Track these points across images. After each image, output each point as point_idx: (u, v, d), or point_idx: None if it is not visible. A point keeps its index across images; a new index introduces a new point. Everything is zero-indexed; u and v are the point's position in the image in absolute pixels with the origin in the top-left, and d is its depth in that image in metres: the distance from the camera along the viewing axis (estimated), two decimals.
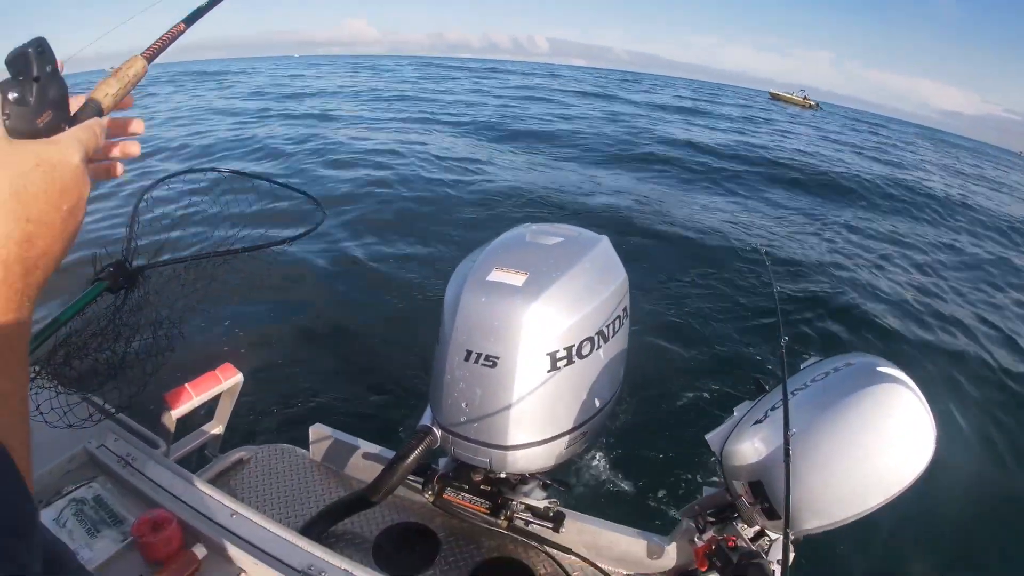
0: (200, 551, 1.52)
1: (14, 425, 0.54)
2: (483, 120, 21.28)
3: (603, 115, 26.69)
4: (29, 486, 0.53)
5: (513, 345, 1.62)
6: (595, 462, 3.92)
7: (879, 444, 1.35)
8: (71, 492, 1.70)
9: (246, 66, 66.38)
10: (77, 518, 1.62)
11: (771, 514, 1.46)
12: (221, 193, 1.98)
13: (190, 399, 2.06)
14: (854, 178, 17.07)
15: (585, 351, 1.71)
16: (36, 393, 1.49)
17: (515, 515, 1.93)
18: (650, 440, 4.23)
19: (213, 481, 2.34)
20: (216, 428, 2.41)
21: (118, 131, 0.79)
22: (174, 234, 1.85)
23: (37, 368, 1.50)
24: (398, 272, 6.92)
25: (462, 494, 1.98)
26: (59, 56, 0.65)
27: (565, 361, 1.67)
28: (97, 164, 0.74)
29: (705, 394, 4.89)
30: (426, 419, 1.90)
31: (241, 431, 3.22)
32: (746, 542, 1.61)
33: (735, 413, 1.64)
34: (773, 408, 1.50)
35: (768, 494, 1.45)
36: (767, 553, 1.59)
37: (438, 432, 1.85)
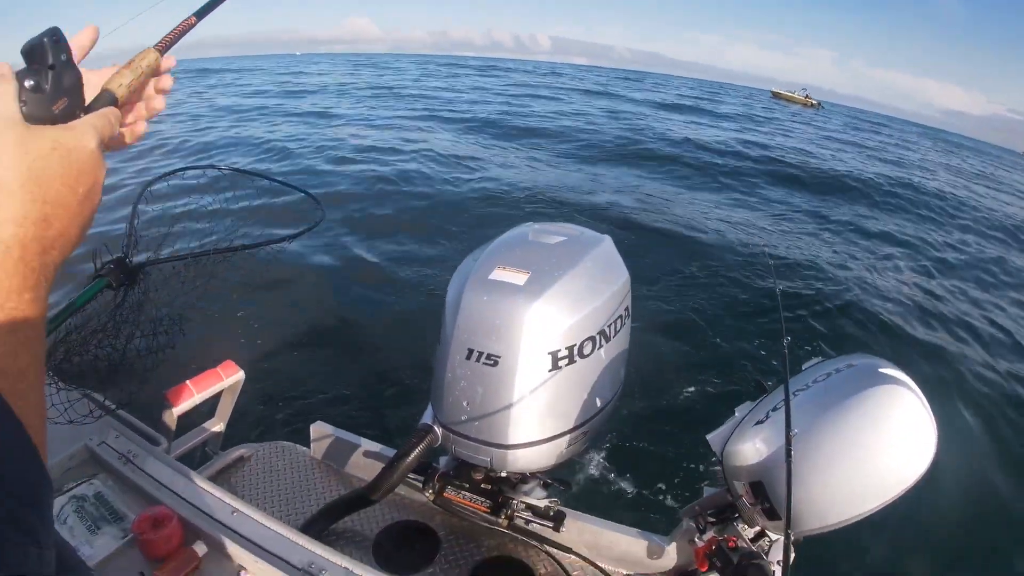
0: (200, 548, 1.52)
1: (31, 400, 0.55)
2: (484, 117, 21.31)
3: (605, 113, 26.72)
4: (44, 460, 0.54)
5: (514, 344, 1.62)
6: (596, 462, 3.92)
7: (880, 445, 1.35)
8: (72, 489, 1.70)
9: (248, 64, 66.42)
10: (78, 515, 1.62)
11: (772, 515, 1.46)
12: (221, 190, 1.98)
13: (191, 396, 2.06)
14: (855, 177, 17.08)
15: (586, 350, 1.70)
16: None
17: (515, 514, 1.93)
18: (651, 440, 4.23)
19: (214, 478, 2.34)
20: (217, 425, 2.41)
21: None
22: (174, 231, 1.85)
23: None
24: (400, 270, 6.92)
25: (462, 493, 1.98)
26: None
27: (566, 360, 1.67)
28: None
29: (706, 394, 4.89)
30: (427, 417, 1.90)
31: (242, 428, 3.22)
32: (746, 543, 1.61)
33: (736, 413, 1.64)
34: (775, 409, 1.50)
35: (769, 495, 1.44)
36: (767, 554, 1.59)
37: (439, 430, 1.85)
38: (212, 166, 1.95)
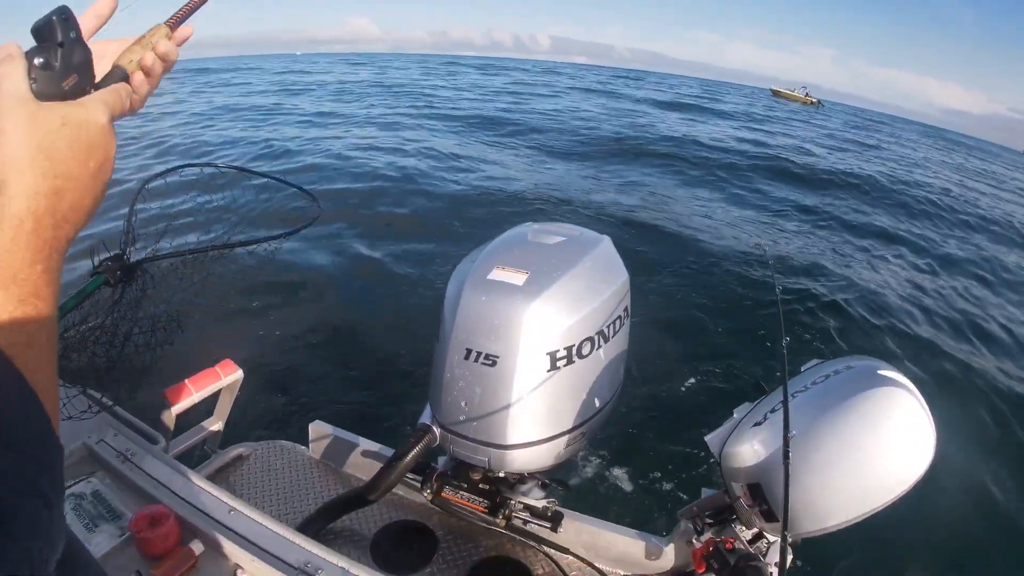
0: (197, 547, 1.52)
1: (43, 370, 0.57)
2: (484, 115, 21.35)
3: (605, 111, 26.74)
4: (55, 426, 0.56)
5: (513, 344, 1.61)
6: (594, 462, 3.92)
7: (879, 447, 1.34)
8: (70, 487, 1.70)
9: (248, 64, 66.40)
10: (75, 513, 1.62)
11: (769, 516, 1.45)
12: (218, 188, 1.98)
13: (190, 395, 2.06)
14: (854, 175, 17.11)
15: (585, 351, 1.70)
16: None
17: (513, 514, 1.93)
18: (649, 440, 4.23)
19: (212, 477, 2.35)
20: (216, 424, 2.41)
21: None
22: (172, 228, 1.86)
23: None
24: (399, 269, 6.93)
25: (460, 493, 1.98)
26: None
27: (565, 361, 1.66)
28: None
29: (705, 395, 4.89)
30: (425, 417, 1.90)
31: (241, 427, 3.22)
32: (744, 544, 1.60)
33: (735, 415, 1.64)
34: (773, 410, 1.50)
35: (767, 496, 1.44)
36: (765, 555, 1.58)
37: (437, 430, 1.84)
38: (210, 164, 1.95)
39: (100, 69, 0.72)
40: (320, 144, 14.11)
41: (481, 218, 8.81)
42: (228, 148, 13.82)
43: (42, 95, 0.63)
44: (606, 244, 1.97)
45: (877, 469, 1.34)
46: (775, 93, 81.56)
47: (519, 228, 2.05)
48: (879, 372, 1.43)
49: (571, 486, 3.00)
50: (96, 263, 1.67)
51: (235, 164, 2.12)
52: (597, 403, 1.81)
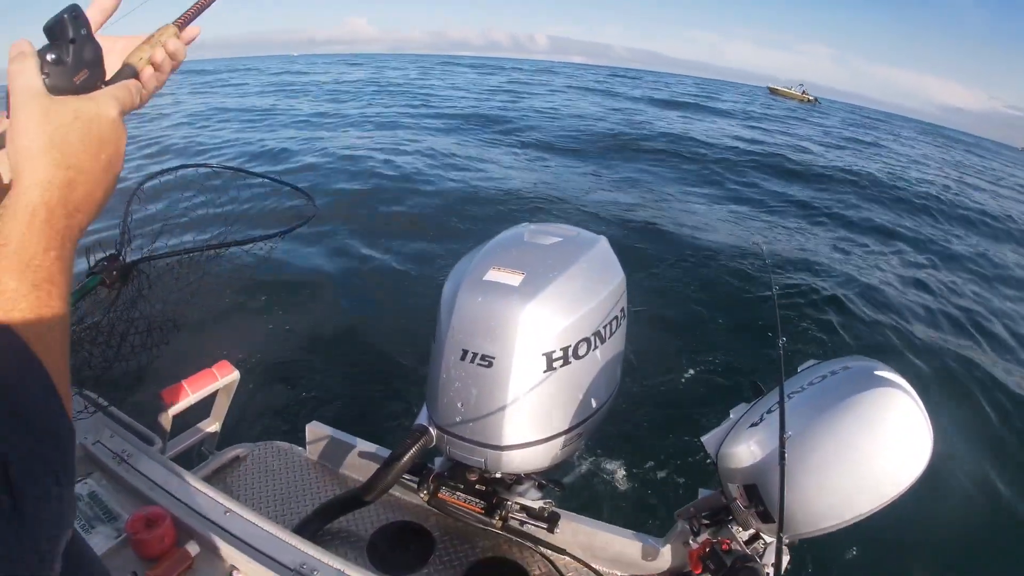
0: (193, 548, 1.52)
1: (56, 353, 0.60)
2: (481, 114, 21.34)
3: (603, 109, 26.76)
4: (68, 408, 0.60)
5: (509, 345, 1.61)
6: (591, 463, 3.92)
7: (875, 448, 1.34)
8: None
9: (245, 65, 66.28)
10: None
11: (766, 517, 1.45)
12: (214, 188, 1.98)
13: (187, 396, 2.06)
14: (852, 172, 17.14)
15: (582, 352, 1.70)
16: None
17: (510, 515, 1.92)
18: (646, 441, 4.23)
19: (209, 478, 2.34)
20: (213, 425, 2.41)
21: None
22: (167, 228, 1.86)
23: None
24: (396, 269, 6.92)
25: (457, 493, 1.98)
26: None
27: (561, 362, 1.66)
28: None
29: (702, 395, 4.89)
30: (422, 418, 1.90)
31: (238, 429, 3.22)
32: (740, 545, 1.60)
33: (731, 415, 1.64)
34: (769, 411, 1.50)
35: (763, 497, 1.44)
36: (761, 557, 1.58)
37: (433, 431, 1.84)
38: (205, 164, 1.95)
39: (108, 65, 0.74)
40: (316, 144, 14.09)
41: (478, 217, 8.81)
42: (225, 148, 13.80)
43: (55, 90, 0.66)
44: (603, 244, 1.97)
45: (874, 470, 1.34)
46: (772, 91, 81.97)
47: (516, 228, 2.05)
48: (876, 373, 1.43)
49: (568, 487, 3.01)
50: (92, 263, 1.67)
51: (230, 164, 2.13)
52: (594, 404, 1.81)
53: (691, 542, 1.72)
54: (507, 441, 1.70)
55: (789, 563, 1.53)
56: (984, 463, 4.66)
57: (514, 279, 1.67)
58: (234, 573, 1.49)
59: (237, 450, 2.51)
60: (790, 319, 6.41)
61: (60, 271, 0.61)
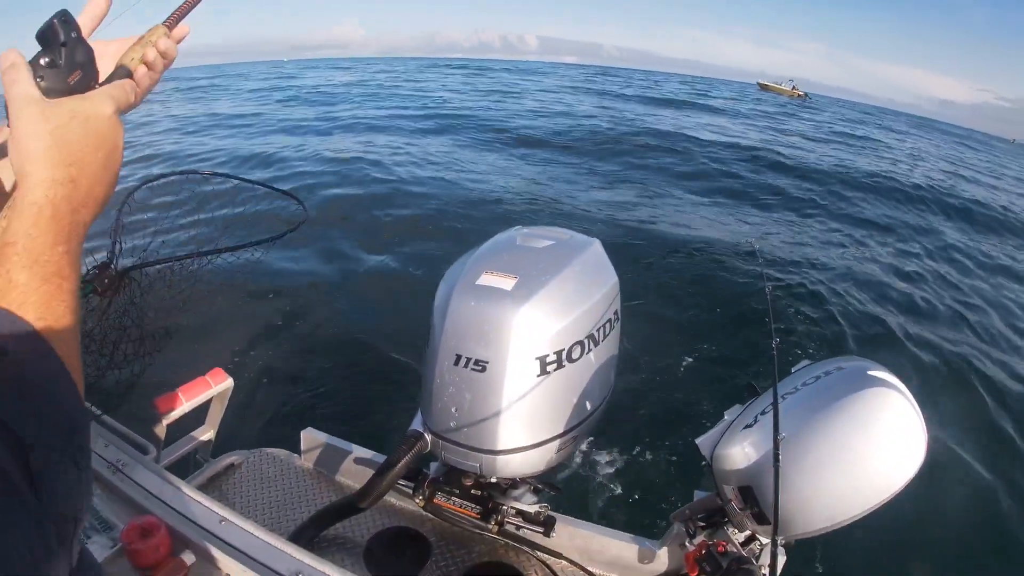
0: (189, 557, 1.52)
1: (69, 343, 0.62)
2: (471, 116, 21.35)
3: (594, 109, 26.83)
4: (80, 395, 0.62)
5: (503, 349, 1.61)
6: (586, 466, 3.91)
7: (869, 449, 1.35)
8: None
9: (234, 71, 66.20)
10: None
11: (761, 519, 1.46)
12: (204, 195, 1.98)
13: (181, 404, 2.06)
14: (842, 166, 17.23)
15: (575, 355, 1.70)
16: None
17: (506, 519, 1.92)
18: (642, 443, 4.23)
19: (204, 486, 2.34)
20: (207, 433, 2.40)
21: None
22: (158, 236, 1.85)
23: None
24: (389, 274, 6.92)
25: (453, 499, 1.97)
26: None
27: (555, 365, 1.66)
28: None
29: (697, 397, 4.89)
30: (416, 424, 1.89)
31: (232, 436, 3.21)
32: (736, 547, 1.60)
33: (726, 417, 1.64)
34: (763, 412, 1.50)
35: (758, 499, 1.44)
36: (758, 558, 1.58)
37: (428, 437, 1.84)
38: (195, 171, 1.95)
39: (101, 68, 0.76)
40: (307, 149, 14.08)
41: (470, 219, 8.81)
42: (214, 155, 13.77)
43: (50, 92, 0.68)
44: (596, 247, 1.97)
45: (868, 470, 1.35)
46: (762, 87, 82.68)
47: (508, 232, 2.04)
48: (869, 373, 1.43)
49: (563, 490, 3.01)
50: (84, 271, 1.67)
51: (221, 171, 2.12)
52: (588, 407, 1.80)
53: (687, 544, 1.72)
54: (502, 446, 1.70)
55: (785, 564, 1.54)
56: (981, 459, 4.66)
57: (507, 283, 1.67)
58: None
59: (232, 457, 2.50)
60: (784, 316, 6.41)
61: (68, 265, 0.64)
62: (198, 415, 2.27)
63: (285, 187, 2.20)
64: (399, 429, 1.95)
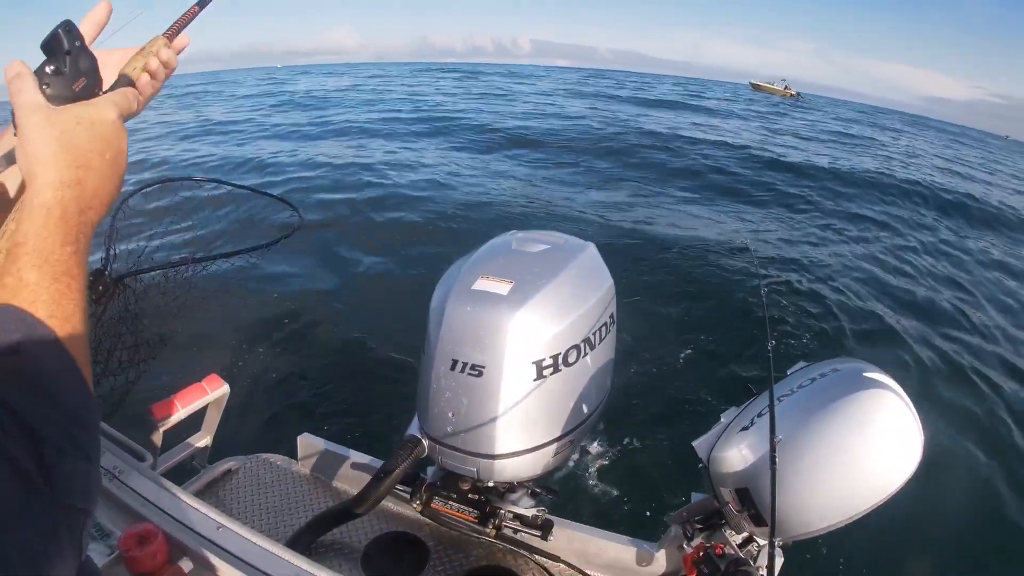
0: (186, 565, 1.51)
1: (78, 339, 0.63)
2: (465, 120, 21.30)
3: (588, 111, 26.82)
4: (90, 389, 0.64)
5: (499, 354, 1.61)
6: (583, 469, 3.91)
7: (865, 450, 1.35)
8: None
9: (228, 78, 66.10)
10: None
11: (758, 520, 1.46)
12: (198, 201, 1.98)
13: (176, 411, 2.05)
14: (836, 165, 17.25)
15: (571, 359, 1.70)
16: None
17: (503, 523, 1.92)
18: (639, 445, 4.22)
19: (201, 492, 2.33)
20: (203, 440, 2.39)
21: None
22: (153, 243, 1.85)
23: None
24: (385, 279, 6.90)
25: (450, 503, 1.98)
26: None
27: (551, 369, 1.66)
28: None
29: (693, 399, 4.88)
30: (413, 429, 1.89)
31: (229, 442, 3.21)
32: (734, 549, 1.61)
33: (722, 419, 1.65)
34: (760, 414, 1.50)
35: (755, 501, 1.45)
36: (755, 560, 1.59)
37: (425, 442, 1.84)
38: (189, 178, 1.95)
39: (105, 77, 0.79)
40: (301, 154, 14.04)
41: (466, 222, 8.79)
42: (209, 161, 13.70)
43: (55, 99, 0.71)
44: (591, 250, 1.98)
45: (865, 471, 1.35)
46: (755, 87, 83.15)
47: (503, 237, 2.04)
48: (865, 374, 1.44)
49: (560, 493, 3.01)
50: None
51: (215, 178, 2.12)
52: (585, 410, 1.81)
53: (685, 546, 1.72)
54: (499, 450, 1.70)
55: (783, 565, 1.54)
56: (979, 457, 4.66)
57: (503, 288, 1.67)
58: None
59: (229, 463, 2.50)
60: (780, 322, 6.40)
61: (77, 264, 0.65)
62: (194, 421, 2.26)
63: (279, 192, 2.20)
64: (396, 434, 1.95)
